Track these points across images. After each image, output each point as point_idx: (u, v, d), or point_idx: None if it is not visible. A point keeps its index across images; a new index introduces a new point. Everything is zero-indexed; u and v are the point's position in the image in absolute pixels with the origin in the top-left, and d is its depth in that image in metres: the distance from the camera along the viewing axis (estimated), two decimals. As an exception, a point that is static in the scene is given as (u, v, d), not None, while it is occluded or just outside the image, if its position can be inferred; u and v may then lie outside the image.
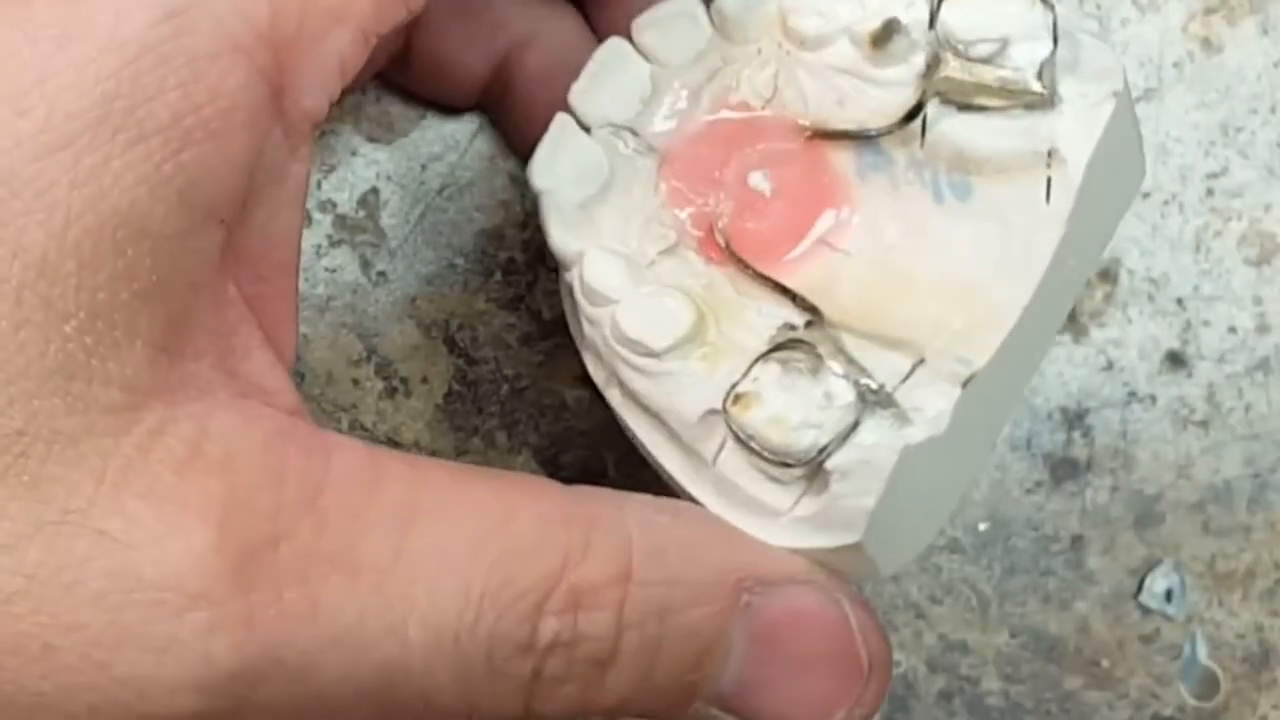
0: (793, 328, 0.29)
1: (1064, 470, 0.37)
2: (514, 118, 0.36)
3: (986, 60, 0.30)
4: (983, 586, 0.36)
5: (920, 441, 0.28)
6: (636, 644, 0.28)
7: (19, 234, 0.25)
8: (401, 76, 0.36)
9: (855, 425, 0.28)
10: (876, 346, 0.29)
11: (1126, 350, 0.37)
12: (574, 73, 0.34)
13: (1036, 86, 0.29)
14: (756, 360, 0.29)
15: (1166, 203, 0.37)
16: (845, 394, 0.28)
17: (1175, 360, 0.37)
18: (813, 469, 0.28)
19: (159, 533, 0.25)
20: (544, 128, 0.34)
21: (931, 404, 0.28)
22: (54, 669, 0.25)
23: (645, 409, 0.30)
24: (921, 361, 0.28)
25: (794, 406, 0.28)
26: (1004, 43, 0.30)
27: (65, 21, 0.25)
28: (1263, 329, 0.37)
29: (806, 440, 0.28)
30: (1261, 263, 0.37)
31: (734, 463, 0.29)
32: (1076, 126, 0.30)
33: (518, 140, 0.36)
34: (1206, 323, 0.37)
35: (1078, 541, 0.36)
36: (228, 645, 0.25)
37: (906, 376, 0.28)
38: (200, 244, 0.26)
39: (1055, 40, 0.30)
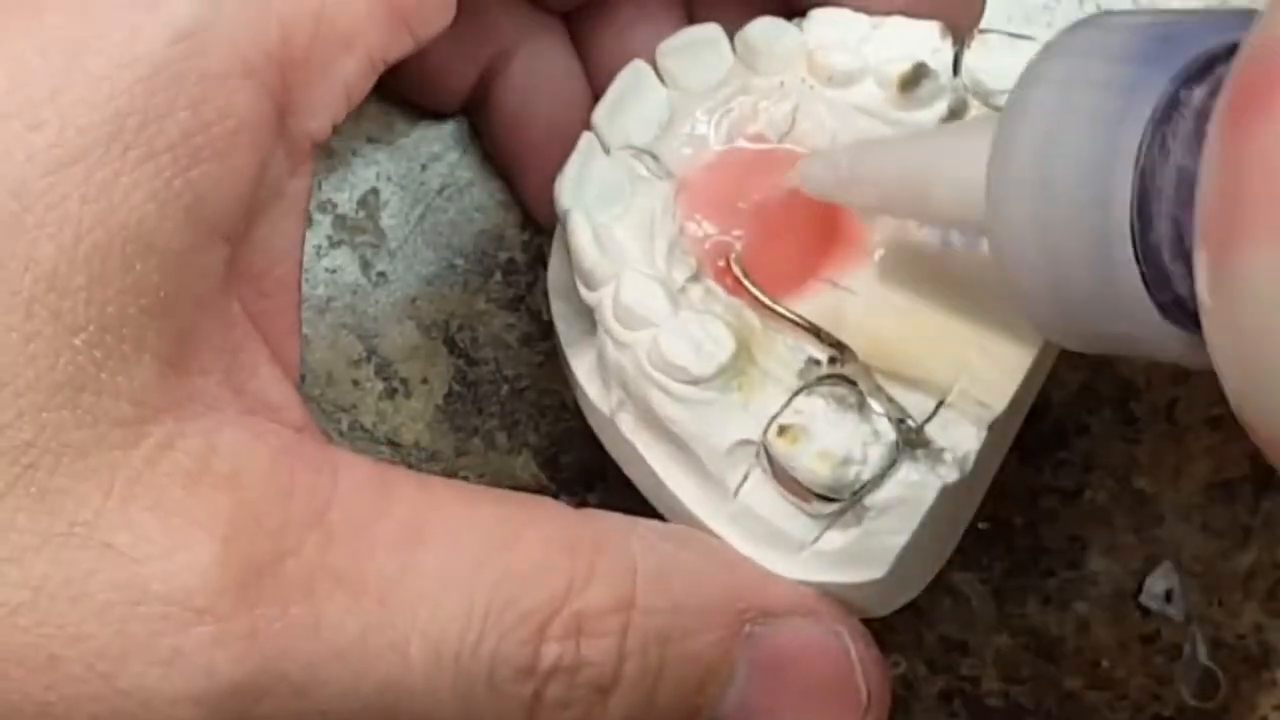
0: (817, 363, 0.29)
1: (1064, 471, 0.37)
2: (492, 126, 0.36)
3: None
4: (983, 587, 0.36)
5: (955, 481, 0.28)
6: (638, 670, 0.28)
7: (30, 247, 0.25)
8: (388, 81, 0.36)
9: (894, 463, 0.28)
10: (898, 385, 0.29)
11: (1126, 350, 0.37)
12: (554, 85, 0.34)
13: None
14: (798, 392, 0.29)
15: (1167, 203, 0.37)
16: (889, 432, 0.28)
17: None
18: (849, 503, 0.28)
19: (166, 547, 0.25)
20: (521, 138, 0.34)
21: (959, 445, 0.28)
22: (59, 680, 0.25)
23: (665, 436, 0.30)
24: (943, 403, 0.29)
25: (842, 441, 0.28)
26: None
27: (79, 35, 0.25)
28: (1263, 330, 0.37)
29: (851, 475, 0.28)
30: (1262, 263, 0.37)
31: (759, 494, 0.29)
32: None
33: (496, 150, 0.36)
34: (1206, 323, 0.37)
35: (1078, 542, 0.37)
36: (231, 659, 0.25)
37: (931, 416, 0.29)
38: (206, 260, 0.26)
39: None
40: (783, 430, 0.28)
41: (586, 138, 0.31)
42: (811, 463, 0.28)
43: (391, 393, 0.36)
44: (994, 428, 0.29)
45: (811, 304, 0.30)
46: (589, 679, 0.27)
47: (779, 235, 0.31)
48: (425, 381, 0.36)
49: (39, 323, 0.25)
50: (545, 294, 0.35)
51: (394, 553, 0.27)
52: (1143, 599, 0.36)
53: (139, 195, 0.25)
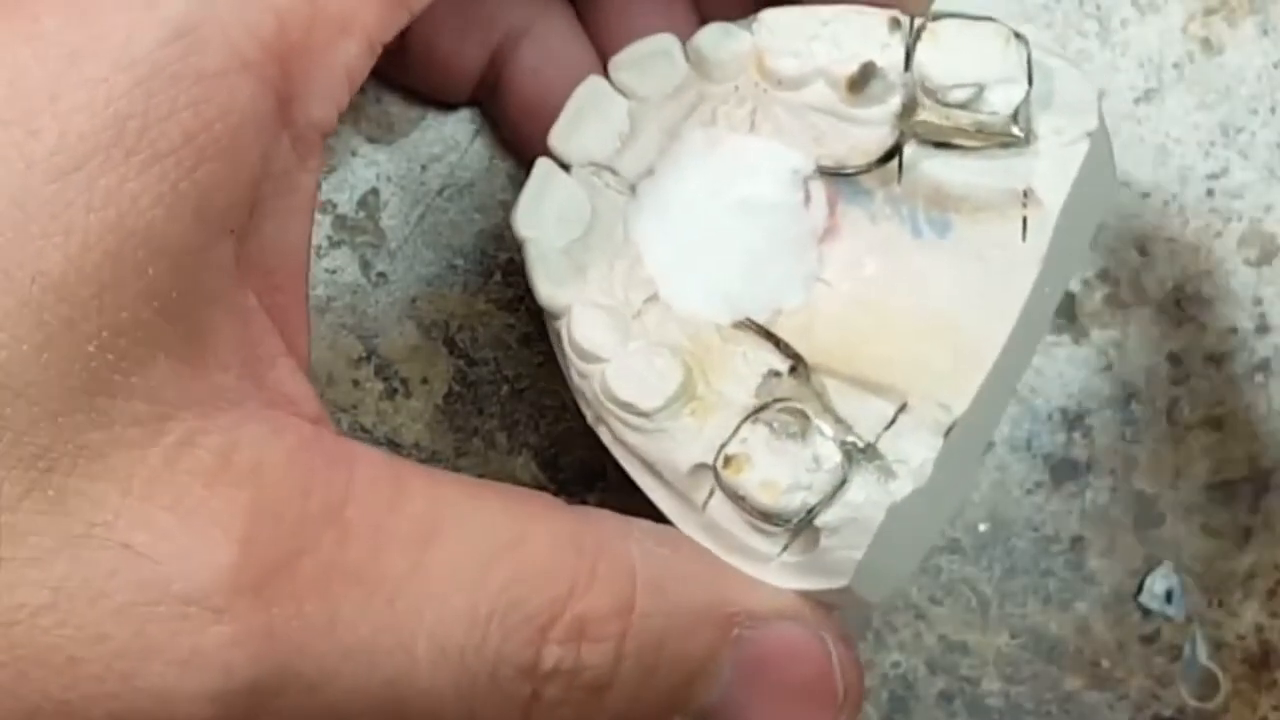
0: (777, 374, 0.30)
1: (1064, 471, 0.37)
2: (506, 111, 0.36)
3: (963, 105, 0.30)
4: (983, 587, 0.36)
5: (906, 495, 0.28)
6: (633, 672, 0.28)
7: (37, 257, 0.25)
8: (396, 71, 0.36)
9: (843, 483, 0.28)
10: (859, 392, 0.29)
11: (1126, 351, 0.37)
12: (566, 67, 0.34)
13: (1014, 130, 0.29)
14: (744, 420, 0.29)
15: (1166, 203, 0.37)
16: (833, 455, 0.28)
17: (1175, 361, 0.37)
18: (800, 525, 0.28)
19: (185, 546, 0.25)
20: (535, 121, 0.34)
21: (915, 454, 0.29)
22: (79, 679, 0.25)
23: (634, 453, 0.30)
24: (904, 407, 0.29)
25: (784, 470, 0.28)
26: (980, 88, 0.29)
27: (75, 40, 0.25)
28: (1262, 329, 0.37)
29: (796, 502, 0.28)
30: (1261, 264, 0.37)
31: (723, 511, 0.29)
32: (1052, 166, 0.30)
33: (510, 134, 0.36)
34: (1206, 324, 0.37)
35: (1078, 542, 0.36)
36: (249, 658, 0.25)
37: (890, 424, 0.29)
38: (216, 257, 0.26)
39: (1030, 79, 0.30)
40: (728, 460, 0.29)
41: (542, 163, 0.31)
42: (755, 492, 0.28)
43: (391, 393, 0.36)
44: (953, 432, 0.29)
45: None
46: (586, 681, 0.28)
47: None
48: (425, 382, 0.36)
49: (50, 332, 0.25)
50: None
51: (405, 551, 0.27)
52: (1143, 599, 0.36)
53: (146, 200, 0.25)
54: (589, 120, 0.32)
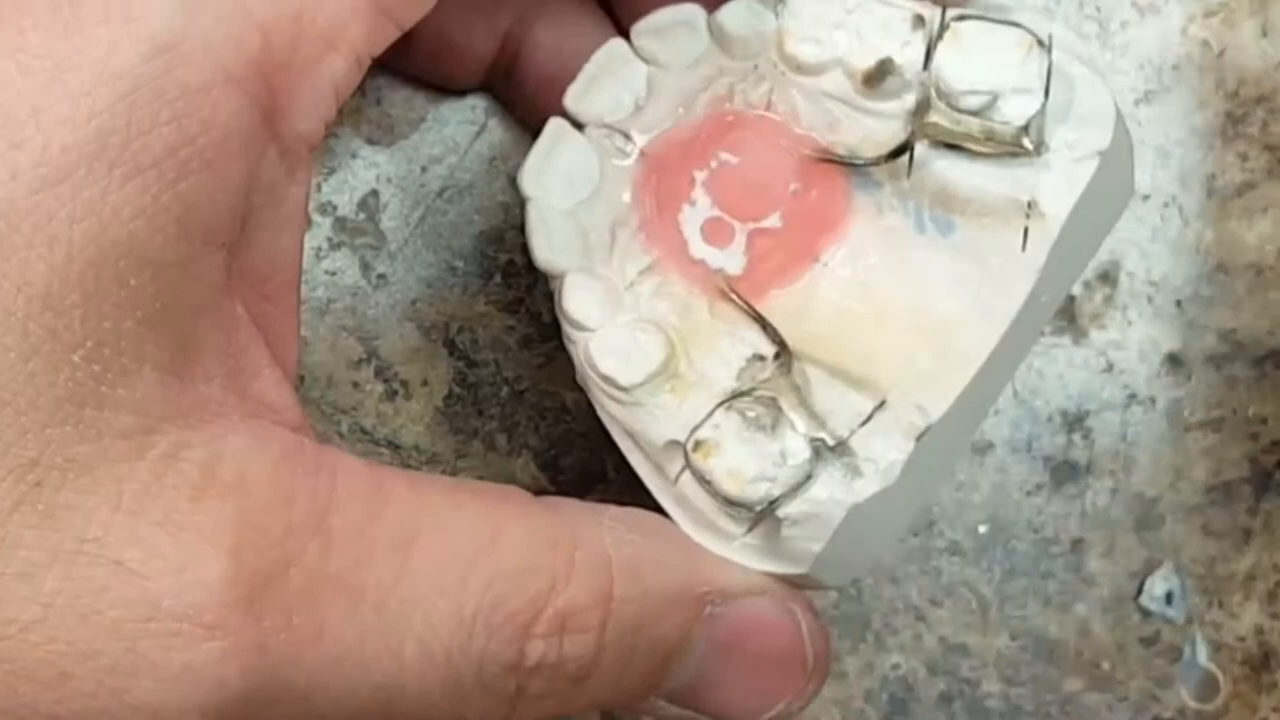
0: (760, 358, 0.30)
1: (1064, 473, 0.37)
2: (525, 91, 0.36)
3: (975, 112, 0.29)
4: (983, 589, 0.36)
5: (869, 497, 0.29)
6: (613, 658, 0.29)
7: (21, 267, 0.25)
8: (404, 60, 0.36)
9: (807, 478, 0.28)
10: (840, 384, 0.29)
11: (1126, 352, 0.37)
12: (579, 45, 0.34)
13: (1025, 143, 0.29)
14: (719, 406, 0.29)
15: (1166, 205, 0.37)
16: (800, 452, 0.29)
17: (1175, 362, 0.37)
18: (763, 514, 0.29)
19: (175, 563, 0.25)
20: (558, 98, 0.34)
21: (884, 455, 0.29)
22: (69, 695, 0.25)
23: (617, 422, 0.30)
24: (882, 404, 0.29)
25: (750, 461, 0.29)
26: (994, 96, 0.29)
27: (59, 53, 0.25)
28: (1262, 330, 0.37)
29: (760, 493, 0.29)
30: (1261, 264, 0.37)
31: (692, 488, 0.30)
32: (1059, 180, 0.29)
33: (528, 117, 0.36)
34: (1206, 325, 0.37)
35: (1078, 544, 0.36)
36: (240, 671, 0.25)
37: (865, 420, 0.29)
38: (202, 269, 0.26)
39: (1047, 92, 0.29)
40: (698, 445, 0.29)
41: (554, 123, 0.31)
42: (721, 478, 0.29)
43: (391, 395, 0.36)
44: (926, 436, 0.29)
45: (789, 286, 0.30)
46: (569, 672, 0.28)
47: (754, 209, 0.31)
48: (425, 384, 0.36)
49: (36, 341, 0.25)
50: (545, 296, 0.35)
51: (390, 557, 0.27)
52: (1143, 601, 0.36)
53: (128, 212, 0.25)
54: (606, 82, 0.32)
